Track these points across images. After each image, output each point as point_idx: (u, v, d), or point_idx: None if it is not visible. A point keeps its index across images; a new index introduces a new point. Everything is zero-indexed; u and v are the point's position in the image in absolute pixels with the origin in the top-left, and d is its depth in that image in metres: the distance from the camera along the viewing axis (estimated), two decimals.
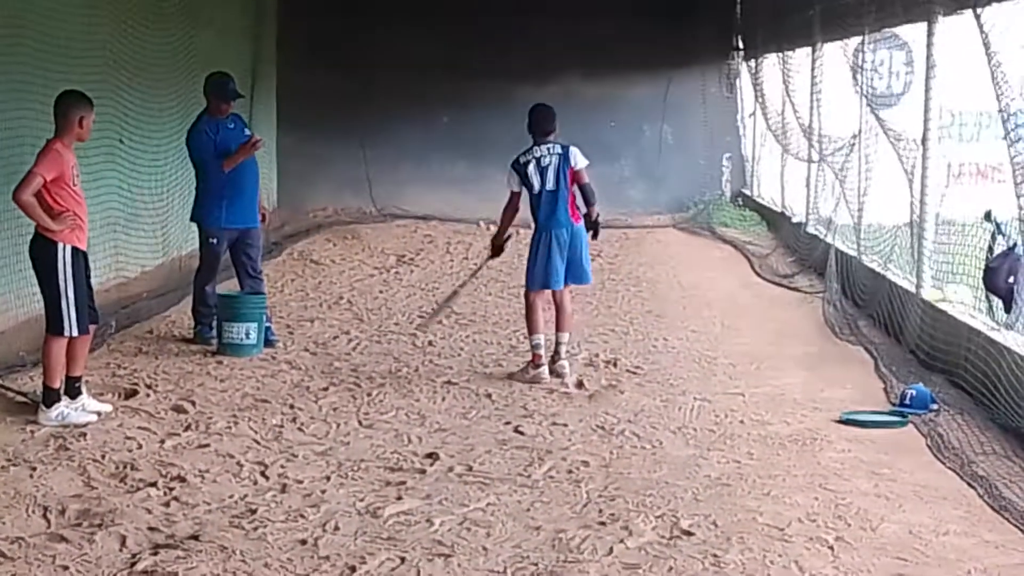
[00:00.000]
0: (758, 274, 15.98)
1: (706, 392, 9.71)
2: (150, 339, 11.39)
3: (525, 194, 10.29)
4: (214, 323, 11.03)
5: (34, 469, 7.50)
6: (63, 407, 8.55)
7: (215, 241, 11.18)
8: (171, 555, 6.16)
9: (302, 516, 6.75)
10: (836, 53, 14.30)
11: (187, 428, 8.49)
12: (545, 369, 10.04)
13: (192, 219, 11.52)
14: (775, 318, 12.98)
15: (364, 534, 6.49)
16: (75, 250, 8.57)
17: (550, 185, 10.12)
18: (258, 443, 8.17)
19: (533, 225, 10.36)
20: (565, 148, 10.16)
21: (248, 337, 10.73)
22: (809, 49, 15.91)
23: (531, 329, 10.21)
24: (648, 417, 8.97)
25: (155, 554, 6.18)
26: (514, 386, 9.85)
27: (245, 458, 7.81)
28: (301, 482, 7.35)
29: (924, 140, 11.11)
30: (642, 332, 12.09)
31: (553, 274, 10.16)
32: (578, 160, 10.10)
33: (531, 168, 10.14)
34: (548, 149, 10.15)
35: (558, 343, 10.23)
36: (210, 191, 11.14)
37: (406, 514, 6.80)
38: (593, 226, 10.25)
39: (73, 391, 8.70)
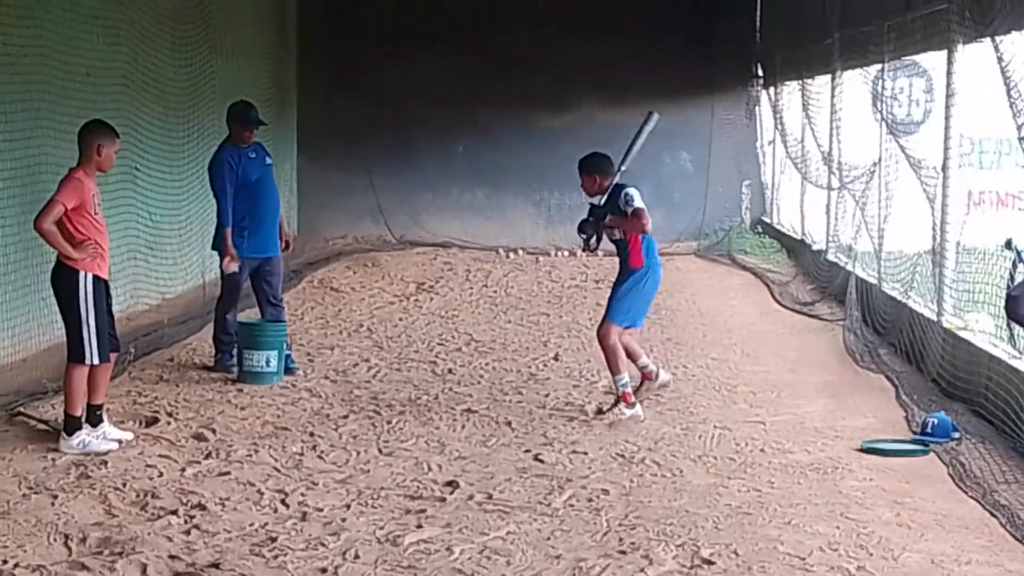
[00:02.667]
0: (778, 302, 15.95)
1: (726, 420, 9.69)
2: (171, 367, 11.42)
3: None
4: (235, 351, 11.05)
5: (55, 497, 7.51)
6: (84, 435, 8.57)
7: (235, 270, 11.19)
8: None
9: (322, 544, 6.75)
10: (856, 80, 14.30)
11: (208, 456, 8.50)
12: (640, 408, 9.78)
13: (213, 247, 11.51)
14: (795, 346, 12.95)
15: (384, 563, 6.49)
16: (96, 278, 8.60)
17: (616, 235, 9.83)
18: (278, 471, 8.18)
19: (630, 261, 9.86)
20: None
21: (268, 365, 10.74)
22: (829, 76, 15.93)
23: (620, 368, 9.76)
24: (668, 445, 8.95)
25: None
26: (534, 414, 9.85)
27: (265, 486, 7.81)
28: (321, 510, 7.34)
29: (944, 167, 11.09)
30: (661, 359, 12.07)
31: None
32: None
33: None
34: None
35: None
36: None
37: (426, 542, 6.79)
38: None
39: (94, 419, 8.72)
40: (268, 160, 11.39)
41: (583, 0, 21.48)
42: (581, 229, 9.87)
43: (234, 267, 11.04)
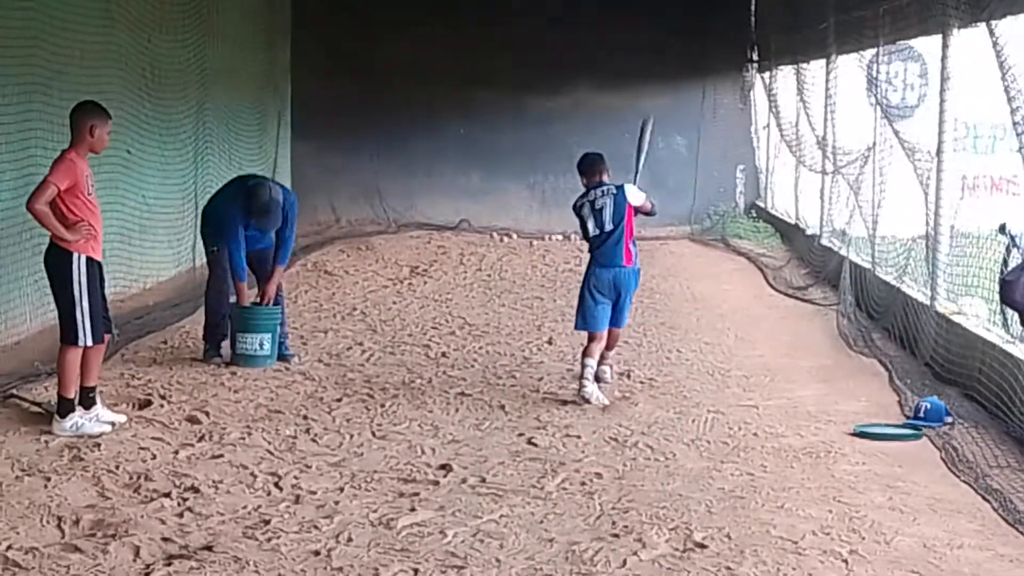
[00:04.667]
0: (772, 286, 15.96)
1: (720, 404, 9.70)
2: (164, 349, 11.41)
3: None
4: (223, 344, 10.94)
5: (48, 479, 7.51)
6: (77, 417, 8.56)
7: (215, 249, 10.94)
8: (185, 566, 6.17)
9: (315, 527, 6.75)
10: (851, 65, 14.29)
11: (201, 439, 8.50)
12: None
13: (201, 231, 11.35)
14: (789, 330, 12.96)
15: (377, 546, 6.49)
16: (90, 260, 8.58)
17: (608, 227, 9.96)
18: (272, 454, 8.18)
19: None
20: (620, 187, 10.02)
21: (262, 348, 10.72)
22: (824, 61, 15.91)
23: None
24: (661, 429, 8.96)
25: (169, 564, 6.18)
26: (527, 397, 9.85)
27: (259, 469, 7.81)
28: (315, 493, 7.35)
29: (939, 152, 11.10)
30: (655, 344, 12.08)
31: (592, 318, 10.04)
32: (633, 196, 9.99)
33: (585, 211, 10.03)
34: (602, 191, 10.02)
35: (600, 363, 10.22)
36: (223, 220, 10.85)
37: (419, 526, 6.80)
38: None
39: (87, 401, 8.70)
40: (269, 241, 11.00)
41: None
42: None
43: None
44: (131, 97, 13.45)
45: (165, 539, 6.53)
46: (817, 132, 16.19)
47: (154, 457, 8.04)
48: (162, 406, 9.32)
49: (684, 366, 11.18)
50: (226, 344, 10.96)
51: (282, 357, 10.93)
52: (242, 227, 10.74)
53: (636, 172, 10.42)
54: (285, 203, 10.88)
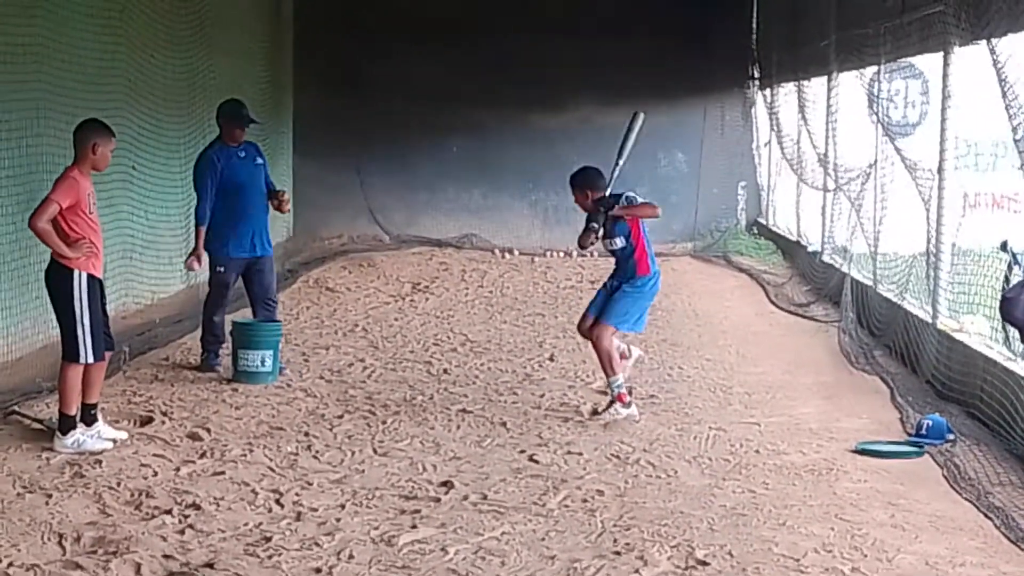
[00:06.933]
0: (774, 303, 15.96)
1: (721, 421, 9.69)
2: (165, 366, 11.41)
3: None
4: (221, 351, 11.05)
5: (49, 496, 7.51)
6: (79, 434, 8.56)
7: (222, 269, 11.15)
8: None
9: (317, 544, 6.74)
10: (852, 82, 14.31)
11: (202, 456, 8.49)
12: (635, 408, 9.80)
13: (205, 247, 11.43)
14: (790, 347, 12.95)
15: (379, 563, 6.48)
16: (91, 277, 8.59)
17: (619, 244, 9.85)
18: (273, 471, 8.17)
19: (638, 269, 9.86)
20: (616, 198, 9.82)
21: (263, 365, 10.72)
22: (825, 78, 15.93)
23: (616, 369, 9.78)
24: (663, 446, 8.95)
25: None
26: (529, 414, 9.85)
27: (260, 486, 7.81)
28: (316, 510, 7.34)
29: (940, 169, 11.11)
30: (657, 360, 12.08)
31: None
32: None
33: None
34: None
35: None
36: (214, 220, 11.12)
37: (421, 543, 6.79)
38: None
39: (89, 418, 8.71)
40: (259, 160, 11.33)
41: (580, 0, 21.52)
42: (590, 221, 9.82)
43: (196, 267, 11.16)
44: (134, 114, 13.47)
45: (166, 556, 6.52)
46: (818, 149, 16.20)
47: (155, 474, 8.04)
48: (163, 423, 9.33)
49: (686, 383, 11.18)
50: (224, 353, 11.03)
51: None
52: (217, 166, 11.09)
53: (615, 168, 10.03)
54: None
